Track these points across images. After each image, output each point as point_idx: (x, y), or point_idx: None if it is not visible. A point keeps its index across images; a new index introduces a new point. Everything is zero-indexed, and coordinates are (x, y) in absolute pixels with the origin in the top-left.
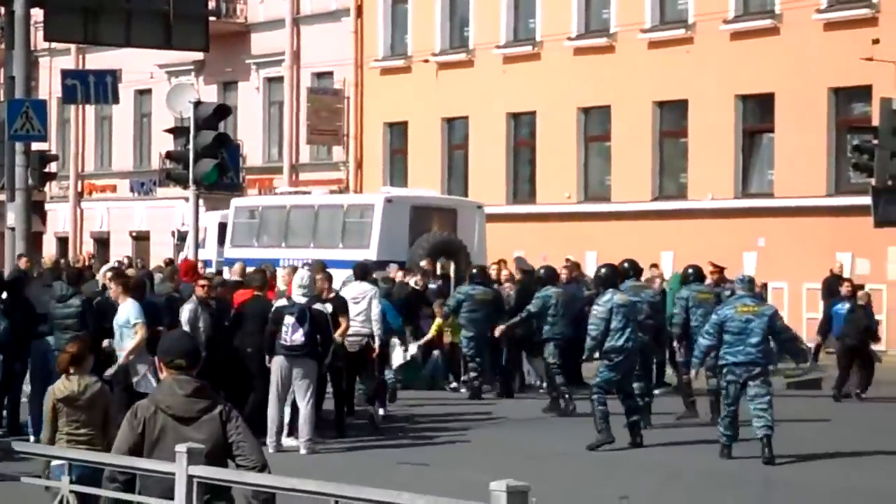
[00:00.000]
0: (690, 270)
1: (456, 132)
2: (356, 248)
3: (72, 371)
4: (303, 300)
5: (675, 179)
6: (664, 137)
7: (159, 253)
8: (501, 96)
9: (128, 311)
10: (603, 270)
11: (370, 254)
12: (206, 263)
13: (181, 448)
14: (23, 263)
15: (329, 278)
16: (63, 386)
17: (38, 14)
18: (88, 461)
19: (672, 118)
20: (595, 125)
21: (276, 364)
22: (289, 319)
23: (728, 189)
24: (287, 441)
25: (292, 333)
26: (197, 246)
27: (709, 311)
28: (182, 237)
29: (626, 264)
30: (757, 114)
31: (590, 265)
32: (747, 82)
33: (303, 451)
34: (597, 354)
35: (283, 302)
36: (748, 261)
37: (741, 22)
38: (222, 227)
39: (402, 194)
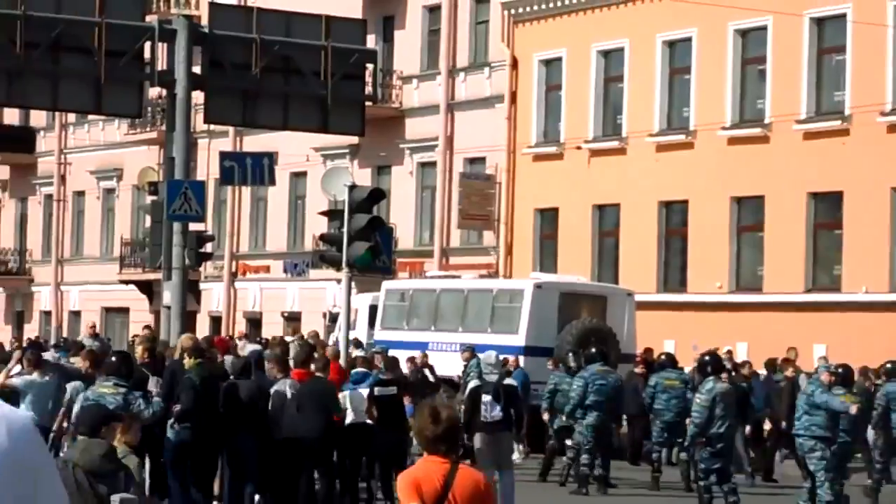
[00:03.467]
0: (664, 357)
1: (607, 219)
2: (505, 332)
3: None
4: (493, 378)
5: (828, 271)
6: (818, 229)
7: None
8: (653, 184)
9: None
10: (706, 359)
11: (519, 339)
12: (381, 344)
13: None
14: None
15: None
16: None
17: (198, 97)
18: None
19: (826, 209)
20: (748, 215)
21: (479, 439)
22: (486, 398)
23: (882, 282)
24: None
25: (491, 410)
26: (348, 328)
27: (674, 397)
28: (333, 318)
29: (663, 356)
30: None
31: (741, 356)
32: None
33: None
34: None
35: (476, 382)
36: None
37: None
38: (373, 310)
39: (551, 280)
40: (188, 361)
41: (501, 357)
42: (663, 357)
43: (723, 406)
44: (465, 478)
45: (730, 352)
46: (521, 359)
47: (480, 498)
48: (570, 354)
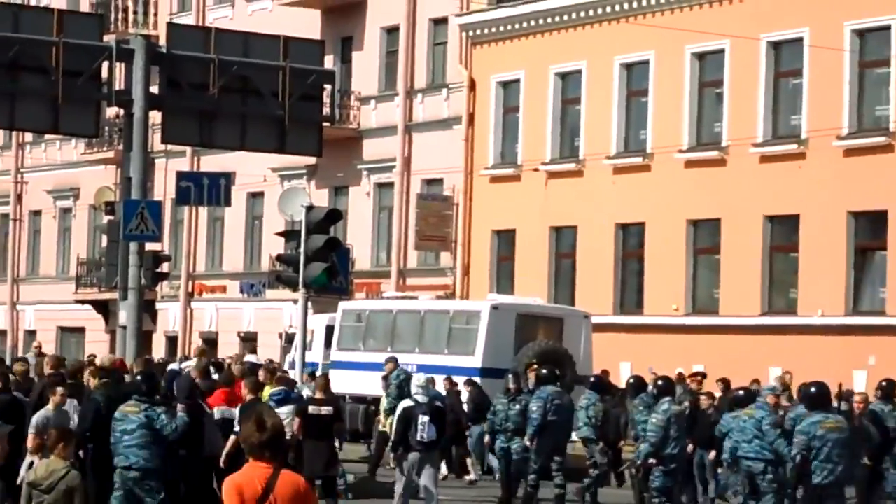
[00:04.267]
0: (632, 380)
1: (564, 241)
2: (462, 354)
3: (39, 457)
4: (425, 399)
5: (784, 294)
6: (774, 251)
7: (266, 354)
8: (610, 206)
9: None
10: (660, 383)
11: (475, 361)
12: (312, 366)
13: None
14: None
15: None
16: (34, 470)
17: (155, 116)
18: None
19: (783, 232)
20: (704, 237)
21: (411, 460)
22: (423, 418)
23: (839, 306)
24: None
25: (428, 430)
26: (304, 348)
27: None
28: (290, 339)
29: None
30: (869, 231)
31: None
32: (860, 199)
33: None
34: (652, 460)
35: (408, 402)
36: (858, 379)
37: (855, 138)
38: (329, 330)
39: (508, 302)
40: (93, 382)
41: (429, 376)
42: (632, 380)
43: (676, 427)
44: (285, 482)
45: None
46: (478, 380)
47: (301, 501)
48: (510, 376)
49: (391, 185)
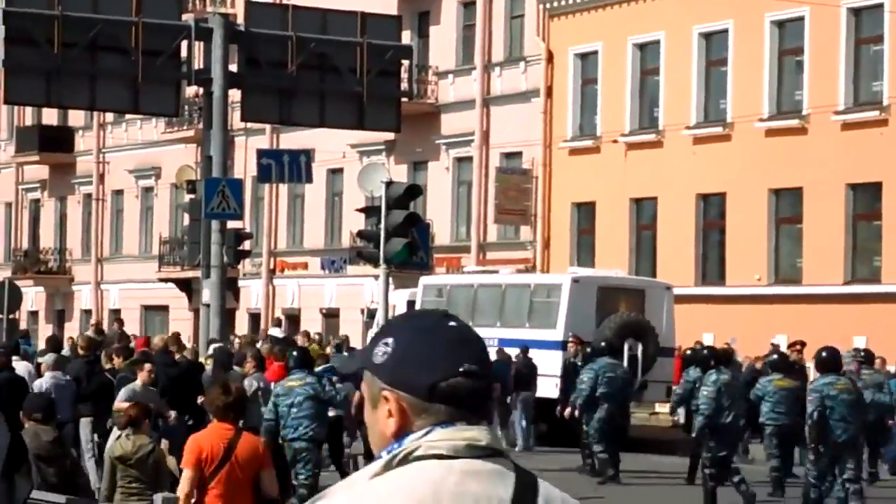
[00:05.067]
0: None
1: (644, 212)
2: (543, 327)
3: (126, 431)
4: None
5: (868, 263)
6: (857, 220)
7: (348, 330)
8: (691, 177)
9: None
10: (705, 352)
11: (557, 334)
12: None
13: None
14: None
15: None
16: (119, 445)
17: (235, 95)
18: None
19: (865, 200)
20: (786, 207)
21: None
22: None
23: None
24: None
25: None
26: None
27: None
28: (371, 315)
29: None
30: None
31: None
32: None
33: None
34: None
35: None
36: None
37: None
38: (410, 305)
39: (589, 274)
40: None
41: None
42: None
43: (727, 396)
44: (245, 442)
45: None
46: (560, 353)
47: (258, 460)
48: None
49: (470, 159)
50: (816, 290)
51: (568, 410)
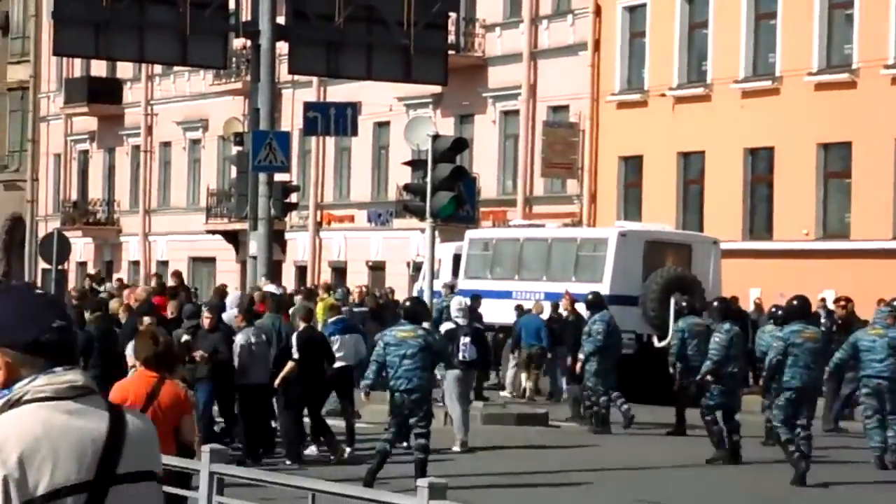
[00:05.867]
0: (684, 304)
1: (692, 166)
2: (589, 281)
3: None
4: (465, 321)
5: None
6: None
7: (394, 283)
8: (739, 131)
9: None
10: (717, 304)
11: (603, 288)
12: (437, 295)
13: (423, 483)
14: None
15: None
16: None
17: (282, 47)
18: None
19: None
20: (835, 161)
21: (452, 375)
22: (465, 339)
23: None
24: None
25: (469, 351)
26: (433, 277)
27: (704, 342)
28: (417, 268)
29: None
30: None
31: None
32: None
33: (456, 449)
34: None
35: (450, 325)
36: None
37: None
38: (456, 259)
39: (636, 228)
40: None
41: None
42: (684, 304)
43: (736, 347)
44: (168, 389)
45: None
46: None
47: (180, 406)
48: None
49: (517, 112)
50: (864, 245)
51: (578, 365)
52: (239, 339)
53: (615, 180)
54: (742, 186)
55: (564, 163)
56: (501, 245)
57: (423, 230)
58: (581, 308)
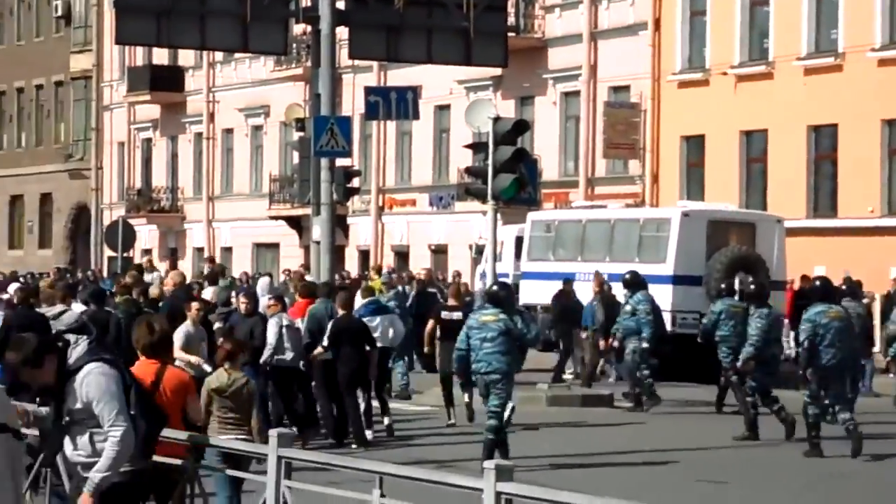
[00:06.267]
0: (723, 286)
1: (754, 145)
2: (652, 262)
3: (226, 366)
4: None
5: None
6: None
7: (457, 266)
8: (802, 108)
9: None
10: (751, 289)
11: (667, 268)
12: (502, 277)
13: (489, 465)
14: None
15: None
16: (216, 378)
17: (342, 32)
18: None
19: None
20: None
21: None
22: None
23: None
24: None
25: None
26: (495, 259)
27: (741, 323)
28: (480, 251)
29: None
30: None
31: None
32: None
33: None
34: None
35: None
36: None
37: None
38: (519, 241)
39: (699, 208)
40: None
41: None
42: (723, 286)
43: (776, 330)
44: (171, 375)
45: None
46: (670, 287)
47: (185, 389)
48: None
49: (577, 93)
50: None
51: (613, 342)
52: (272, 321)
53: (677, 160)
54: (805, 164)
55: (626, 143)
56: (564, 227)
57: (484, 213)
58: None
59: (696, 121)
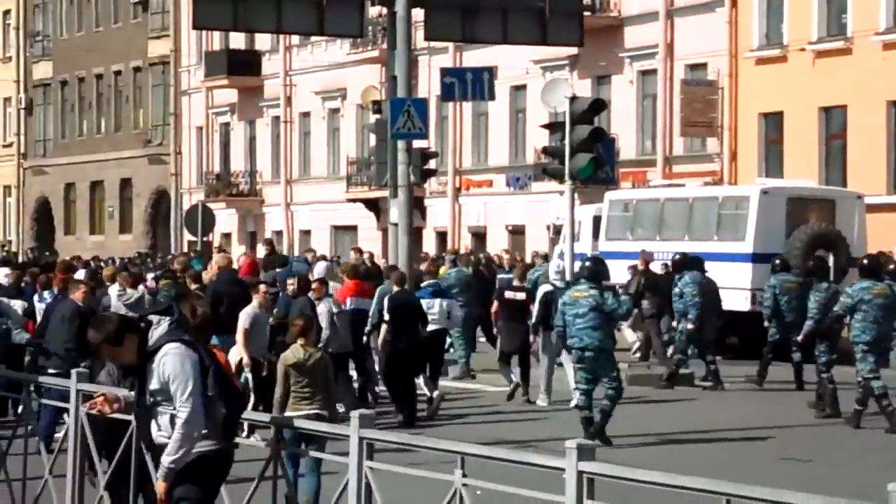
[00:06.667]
0: (777, 261)
1: (833, 121)
2: (732, 240)
3: (300, 342)
4: (563, 284)
5: None
6: None
7: (535, 247)
8: (881, 84)
9: None
10: (811, 264)
11: (746, 246)
12: (580, 257)
13: (571, 444)
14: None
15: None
16: (292, 353)
17: (418, 14)
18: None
19: None
20: None
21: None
22: None
23: None
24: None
25: None
26: (573, 240)
27: (795, 298)
28: (557, 231)
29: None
30: None
31: None
32: None
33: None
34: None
35: (548, 287)
36: None
37: None
38: (597, 221)
39: (778, 185)
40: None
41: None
42: (777, 261)
43: (833, 304)
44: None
45: None
46: (750, 266)
47: (226, 368)
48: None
49: (654, 72)
50: None
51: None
52: (321, 307)
53: (755, 137)
54: (886, 140)
55: (704, 121)
56: (642, 206)
57: (562, 193)
58: (724, 267)
59: (774, 97)
